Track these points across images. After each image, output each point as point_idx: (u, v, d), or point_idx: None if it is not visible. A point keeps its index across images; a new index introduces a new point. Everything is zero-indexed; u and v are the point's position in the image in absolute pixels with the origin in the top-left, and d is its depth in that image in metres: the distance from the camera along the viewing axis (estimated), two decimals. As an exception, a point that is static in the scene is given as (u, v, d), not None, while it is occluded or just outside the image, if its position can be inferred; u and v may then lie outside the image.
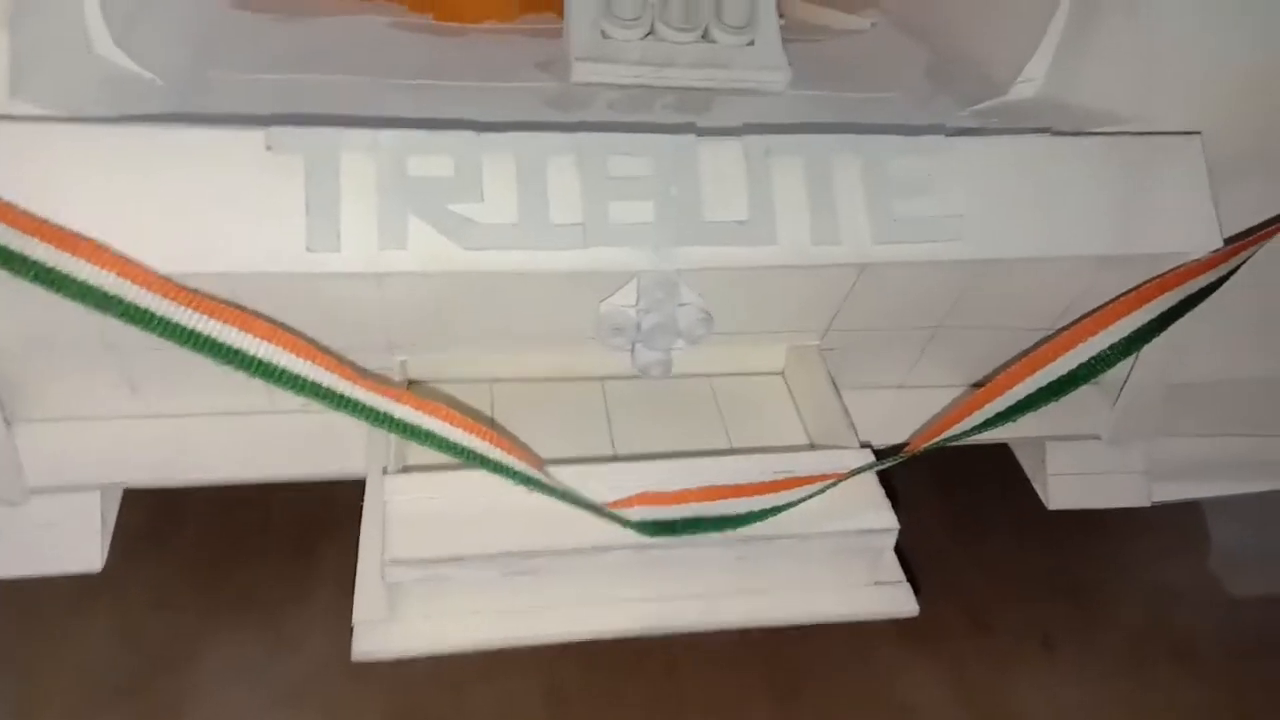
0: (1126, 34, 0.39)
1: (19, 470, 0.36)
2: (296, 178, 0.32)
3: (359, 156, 0.32)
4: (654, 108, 0.43)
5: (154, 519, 0.43)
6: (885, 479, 0.36)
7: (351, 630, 0.36)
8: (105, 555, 0.38)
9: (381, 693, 0.40)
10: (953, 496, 0.50)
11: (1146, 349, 0.40)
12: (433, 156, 0.32)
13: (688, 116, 0.43)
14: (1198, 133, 0.38)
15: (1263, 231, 0.38)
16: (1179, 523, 0.51)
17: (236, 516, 0.45)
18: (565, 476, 0.32)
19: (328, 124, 0.33)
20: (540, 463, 0.32)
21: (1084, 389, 0.44)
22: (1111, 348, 0.35)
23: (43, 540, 0.37)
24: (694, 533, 0.32)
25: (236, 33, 0.45)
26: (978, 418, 0.35)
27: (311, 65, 0.43)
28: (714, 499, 0.33)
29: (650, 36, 0.45)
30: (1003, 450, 0.48)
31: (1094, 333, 0.35)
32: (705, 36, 0.45)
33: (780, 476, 0.34)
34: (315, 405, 0.37)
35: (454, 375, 0.40)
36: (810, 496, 0.33)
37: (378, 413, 0.31)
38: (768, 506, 0.33)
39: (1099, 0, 0.40)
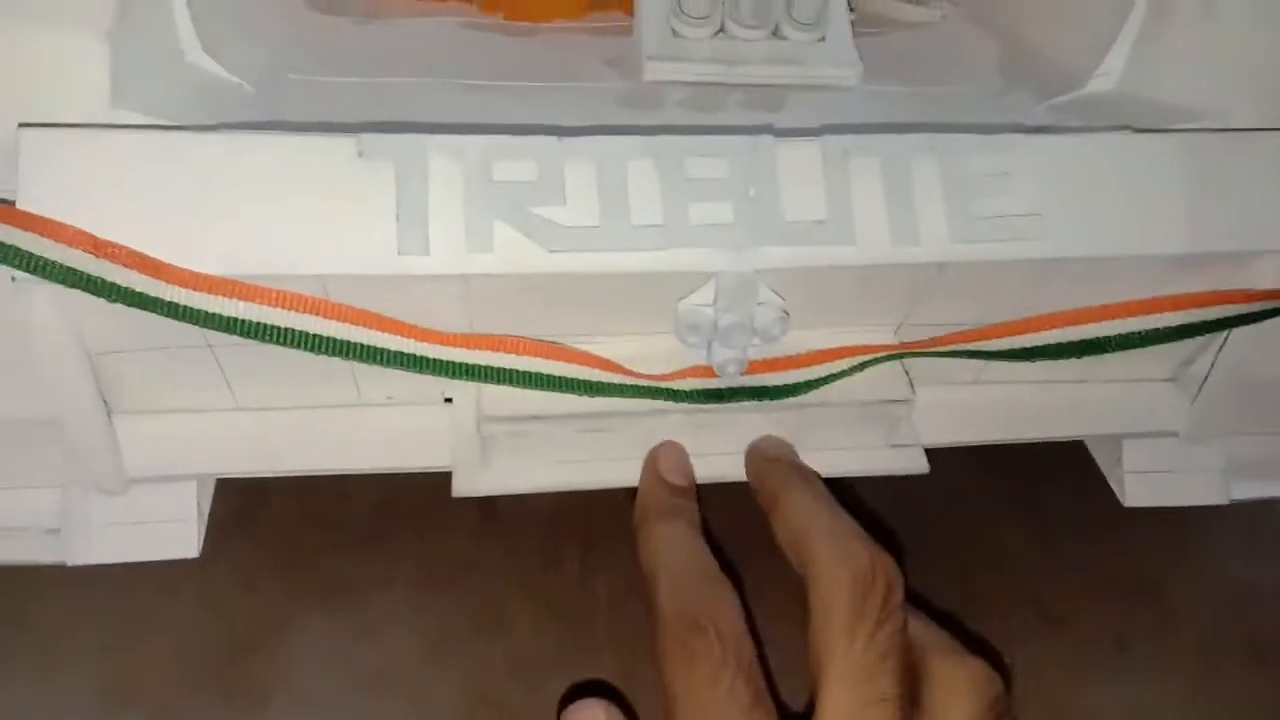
0: (1202, 28, 0.38)
1: (120, 460, 0.38)
2: (387, 182, 0.33)
3: (446, 162, 0.33)
4: (725, 105, 0.43)
5: (239, 506, 0.45)
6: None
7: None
8: (201, 542, 0.39)
9: (461, 680, 0.41)
10: (1025, 495, 0.50)
11: (1227, 348, 0.40)
12: (517, 161, 0.33)
13: (760, 114, 0.43)
14: (1279, 129, 0.37)
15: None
16: (1257, 519, 0.50)
17: (319, 504, 0.47)
18: (626, 353, 0.37)
19: (414, 129, 0.34)
20: (603, 361, 0.37)
21: (1162, 386, 0.44)
22: (1153, 331, 0.37)
23: (143, 528, 0.39)
24: (736, 400, 0.37)
25: (314, 36, 0.46)
26: (1001, 344, 0.37)
27: (388, 68, 0.44)
28: (756, 373, 0.38)
29: (721, 34, 0.45)
30: (1078, 448, 0.48)
31: (1147, 312, 0.36)
32: (776, 33, 0.45)
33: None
34: (400, 399, 0.39)
35: None
36: (842, 374, 0.38)
37: (452, 364, 0.34)
38: (802, 380, 0.37)
39: (1176, -5, 0.40)
